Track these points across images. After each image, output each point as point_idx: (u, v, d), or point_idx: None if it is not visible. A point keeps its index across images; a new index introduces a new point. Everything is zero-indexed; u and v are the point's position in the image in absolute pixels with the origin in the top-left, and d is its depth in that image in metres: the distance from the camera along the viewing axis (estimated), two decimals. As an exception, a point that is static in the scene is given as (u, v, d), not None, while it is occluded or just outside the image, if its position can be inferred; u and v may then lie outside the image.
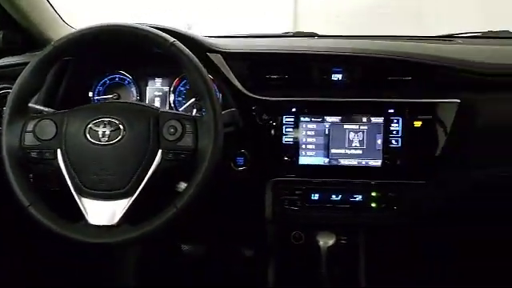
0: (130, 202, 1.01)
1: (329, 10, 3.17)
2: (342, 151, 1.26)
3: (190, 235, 1.73)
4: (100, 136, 1.02)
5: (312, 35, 1.59)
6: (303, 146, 1.27)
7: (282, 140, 1.27)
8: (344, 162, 1.26)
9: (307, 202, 1.29)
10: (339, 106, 1.26)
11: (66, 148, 1.03)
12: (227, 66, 1.28)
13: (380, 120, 1.24)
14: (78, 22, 1.52)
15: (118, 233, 1.00)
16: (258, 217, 1.31)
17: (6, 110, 1.05)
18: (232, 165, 1.28)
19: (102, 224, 1.00)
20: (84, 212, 1.01)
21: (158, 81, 1.41)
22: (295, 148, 1.27)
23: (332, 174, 1.28)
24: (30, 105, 1.10)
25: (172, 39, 1.05)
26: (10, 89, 1.07)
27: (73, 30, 1.09)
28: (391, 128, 1.24)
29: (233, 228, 1.60)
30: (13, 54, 1.39)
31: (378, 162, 1.25)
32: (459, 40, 1.53)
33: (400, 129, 1.24)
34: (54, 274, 1.61)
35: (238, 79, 1.28)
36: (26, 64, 1.06)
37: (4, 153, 1.03)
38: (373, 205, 1.27)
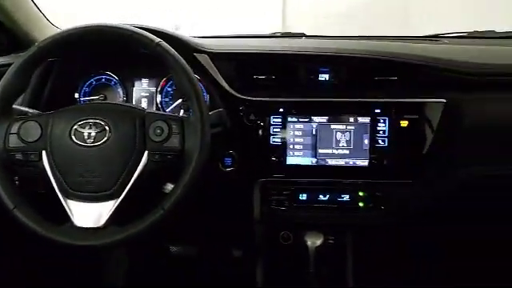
0: (117, 203, 1.00)
1: (317, 11, 3.18)
2: (330, 151, 1.26)
3: (178, 236, 1.72)
4: (85, 137, 1.01)
5: (300, 35, 1.59)
6: (291, 147, 1.27)
7: (269, 140, 1.27)
8: (331, 161, 1.26)
9: (295, 202, 1.29)
10: (326, 106, 1.27)
11: (51, 150, 1.02)
12: (214, 67, 1.28)
13: (367, 120, 1.25)
14: (64, 22, 1.51)
15: (105, 235, 1.00)
16: (246, 217, 1.31)
17: None
18: (220, 165, 1.27)
19: (88, 226, 0.99)
20: (70, 214, 1.00)
21: (145, 81, 1.40)
22: (283, 148, 1.27)
23: (319, 174, 1.28)
24: (14, 106, 1.09)
25: (158, 39, 1.04)
26: None
27: (58, 31, 1.08)
28: (378, 128, 1.24)
29: (221, 229, 1.59)
30: (-2, 55, 1.38)
31: (365, 162, 1.26)
32: (445, 40, 1.54)
33: (386, 129, 1.24)
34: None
35: (225, 80, 1.28)
36: (10, 65, 1.05)
37: None
38: (360, 204, 1.27)
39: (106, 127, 1.02)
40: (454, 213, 1.32)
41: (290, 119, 1.26)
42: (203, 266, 1.75)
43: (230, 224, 1.53)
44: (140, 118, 1.04)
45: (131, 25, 1.07)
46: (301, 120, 1.26)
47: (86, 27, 1.05)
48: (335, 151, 1.26)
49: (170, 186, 1.06)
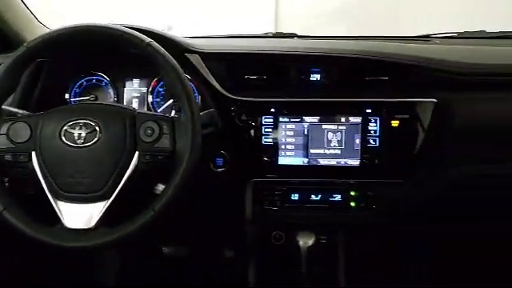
0: (107, 204, 1.00)
1: (309, 12, 3.19)
2: (321, 151, 1.26)
3: (169, 237, 1.72)
4: (76, 138, 1.00)
5: (292, 36, 1.59)
6: (282, 147, 1.27)
7: (261, 140, 1.27)
8: (323, 161, 1.26)
9: (287, 202, 1.29)
10: (318, 106, 1.27)
11: (41, 150, 1.01)
12: (205, 67, 1.28)
13: (358, 120, 1.25)
14: (53, 22, 1.50)
15: (95, 236, 0.99)
16: (238, 217, 1.31)
17: None
18: (211, 166, 1.27)
19: (78, 227, 0.99)
20: (60, 215, 1.00)
21: (136, 82, 1.39)
22: (274, 148, 1.27)
23: (311, 174, 1.28)
24: (3, 107, 1.07)
25: (148, 39, 1.04)
26: None
27: (48, 31, 1.08)
28: (369, 128, 1.25)
29: (213, 229, 1.59)
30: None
31: (356, 162, 1.26)
32: (436, 40, 1.55)
33: (378, 128, 1.24)
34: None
35: (216, 80, 1.27)
36: None
37: None
38: (352, 204, 1.27)
39: (97, 128, 1.01)
40: (445, 212, 1.33)
41: (281, 119, 1.26)
42: (195, 267, 1.75)
43: (221, 224, 1.53)
44: (130, 119, 1.04)
45: (121, 25, 1.07)
46: (292, 120, 1.26)
47: (75, 27, 1.04)
48: (327, 151, 1.26)
49: (161, 187, 1.05)
